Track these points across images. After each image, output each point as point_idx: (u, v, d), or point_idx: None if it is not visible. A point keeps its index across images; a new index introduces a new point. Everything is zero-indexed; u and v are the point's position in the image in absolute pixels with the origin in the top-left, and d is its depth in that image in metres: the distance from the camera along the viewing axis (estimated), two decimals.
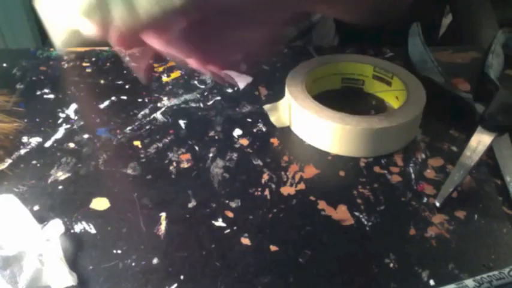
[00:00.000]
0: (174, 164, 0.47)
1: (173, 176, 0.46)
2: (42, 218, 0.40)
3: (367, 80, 0.55)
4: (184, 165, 0.47)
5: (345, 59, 0.56)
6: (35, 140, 0.50)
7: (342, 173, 0.46)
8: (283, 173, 0.46)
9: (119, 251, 0.39)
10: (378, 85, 0.55)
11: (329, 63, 0.55)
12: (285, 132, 0.51)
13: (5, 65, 0.61)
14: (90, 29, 0.32)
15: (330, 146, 0.48)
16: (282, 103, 0.51)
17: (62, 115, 0.53)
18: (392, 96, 0.54)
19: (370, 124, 0.46)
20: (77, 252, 0.39)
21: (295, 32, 0.75)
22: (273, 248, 0.39)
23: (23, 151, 0.48)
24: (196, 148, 0.49)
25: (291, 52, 0.61)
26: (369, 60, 0.55)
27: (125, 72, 0.60)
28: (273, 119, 0.51)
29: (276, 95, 0.56)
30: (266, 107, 0.51)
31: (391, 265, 0.38)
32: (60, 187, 0.45)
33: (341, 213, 0.42)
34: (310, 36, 0.78)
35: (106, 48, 0.64)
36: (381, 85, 0.54)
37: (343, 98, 0.56)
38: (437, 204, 0.42)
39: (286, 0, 0.36)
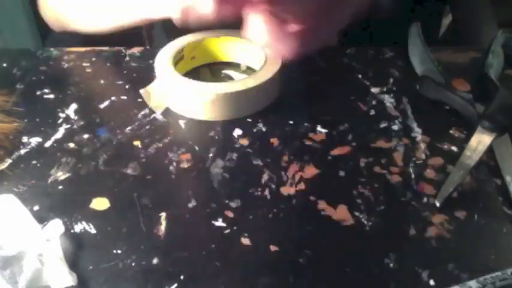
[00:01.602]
0: (174, 164, 0.47)
1: (173, 176, 0.46)
2: (42, 218, 0.40)
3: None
4: (184, 165, 0.47)
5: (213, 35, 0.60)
6: (35, 140, 0.50)
7: (342, 173, 0.46)
8: (283, 173, 0.46)
9: (119, 251, 0.39)
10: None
11: (197, 41, 0.59)
12: (285, 133, 0.51)
13: (5, 65, 0.61)
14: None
15: (202, 114, 0.52)
16: (154, 86, 0.54)
17: (62, 115, 0.53)
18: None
19: (231, 88, 0.51)
20: (77, 252, 0.39)
21: None
22: (273, 248, 0.39)
23: (23, 151, 0.48)
24: (196, 148, 0.49)
25: None
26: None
27: (125, 72, 0.60)
28: (151, 104, 0.53)
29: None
30: (141, 91, 0.54)
31: (391, 265, 0.38)
32: (60, 187, 0.45)
33: (341, 213, 0.42)
34: None
35: (106, 48, 0.64)
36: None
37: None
38: (437, 204, 0.42)
39: None
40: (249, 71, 0.59)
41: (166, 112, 0.53)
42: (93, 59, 0.61)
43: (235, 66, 0.60)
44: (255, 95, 0.52)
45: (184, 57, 0.57)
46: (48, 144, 0.49)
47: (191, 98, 0.51)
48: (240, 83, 0.51)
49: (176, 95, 0.52)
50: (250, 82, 0.51)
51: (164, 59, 0.55)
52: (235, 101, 0.51)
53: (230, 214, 0.42)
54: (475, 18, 0.77)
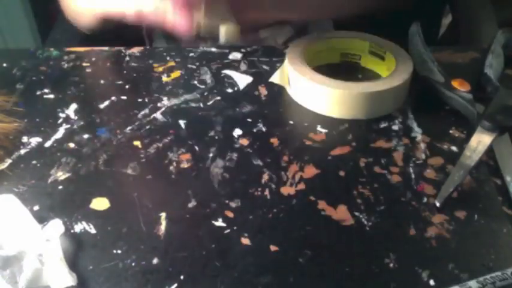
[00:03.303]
0: (174, 164, 0.47)
1: (173, 176, 0.46)
2: (42, 218, 0.40)
3: (364, 55, 0.60)
4: (184, 165, 0.47)
5: (343, 35, 0.61)
6: (35, 140, 0.50)
7: (342, 173, 0.46)
8: (283, 173, 0.46)
9: (119, 251, 0.39)
10: (373, 60, 0.60)
11: (328, 38, 0.60)
12: (285, 133, 0.51)
13: (5, 65, 0.61)
14: None
15: (327, 110, 0.53)
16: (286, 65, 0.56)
17: (62, 115, 0.53)
18: (385, 69, 0.58)
19: (365, 88, 0.51)
20: (77, 252, 0.39)
21: (292, 32, 0.75)
22: (273, 248, 0.39)
23: (23, 151, 0.48)
24: (196, 148, 0.49)
25: None
26: (365, 36, 0.60)
27: (125, 72, 0.60)
28: (275, 77, 0.55)
29: (276, 95, 0.56)
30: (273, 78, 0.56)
31: (391, 265, 0.38)
32: (60, 187, 0.45)
33: (341, 213, 0.42)
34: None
35: (106, 48, 0.64)
36: (376, 60, 0.59)
37: (341, 70, 0.60)
38: (437, 204, 0.42)
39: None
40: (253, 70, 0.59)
41: (166, 112, 0.53)
42: (93, 59, 0.61)
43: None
44: (390, 96, 0.52)
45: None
46: (48, 144, 0.49)
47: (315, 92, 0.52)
48: (376, 84, 0.52)
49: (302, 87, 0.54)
50: (386, 84, 0.51)
51: (298, 48, 0.57)
52: (372, 101, 0.51)
53: (230, 214, 0.42)
54: (475, 18, 0.77)
